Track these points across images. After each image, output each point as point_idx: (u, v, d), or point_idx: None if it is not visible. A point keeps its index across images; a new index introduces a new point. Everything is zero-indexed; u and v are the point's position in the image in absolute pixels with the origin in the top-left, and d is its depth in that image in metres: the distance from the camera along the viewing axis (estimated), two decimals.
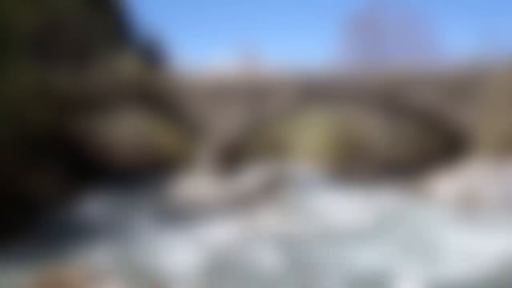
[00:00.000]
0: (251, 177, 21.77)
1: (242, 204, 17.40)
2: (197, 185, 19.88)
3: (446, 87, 20.75)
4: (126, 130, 23.17)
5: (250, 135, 23.54)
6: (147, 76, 23.73)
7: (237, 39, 53.93)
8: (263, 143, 28.76)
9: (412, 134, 24.11)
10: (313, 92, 21.26)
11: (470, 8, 55.27)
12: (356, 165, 24.77)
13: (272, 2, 65.19)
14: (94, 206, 16.82)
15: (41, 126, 17.11)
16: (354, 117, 25.61)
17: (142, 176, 21.30)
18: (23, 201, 14.41)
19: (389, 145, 24.55)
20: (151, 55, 33.83)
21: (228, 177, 20.98)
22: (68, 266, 10.12)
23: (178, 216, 15.61)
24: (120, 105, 21.83)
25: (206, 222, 14.65)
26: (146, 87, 21.97)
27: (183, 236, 13.00)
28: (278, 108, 21.89)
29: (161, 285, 9.39)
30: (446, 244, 12.12)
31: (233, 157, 22.32)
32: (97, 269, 10.01)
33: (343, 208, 16.84)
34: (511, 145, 19.14)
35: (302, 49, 54.44)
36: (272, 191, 20.08)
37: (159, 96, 21.84)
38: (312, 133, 28.41)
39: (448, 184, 18.89)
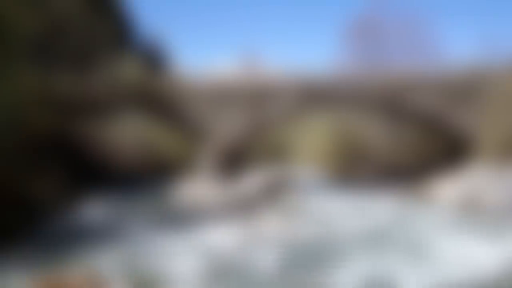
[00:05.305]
0: (252, 181, 21.76)
1: (244, 207, 17.39)
2: (198, 188, 19.89)
3: (448, 91, 20.74)
4: (127, 134, 23.20)
5: (251, 139, 23.54)
6: (149, 80, 23.77)
7: (238, 43, 54.08)
8: (265, 147, 28.74)
9: (414, 138, 24.09)
10: (315, 96, 21.27)
11: (471, 12, 55.31)
12: (357, 169, 24.75)
13: (274, 6, 65.30)
14: (95, 210, 16.83)
15: (43, 130, 17.14)
16: (355, 121, 25.61)
17: (143, 179, 21.32)
18: (24, 205, 14.41)
19: (390, 149, 24.53)
20: (153, 59, 33.90)
21: (229, 181, 20.98)
22: (70, 270, 10.12)
23: (180, 220, 15.61)
24: (122, 109, 21.86)
25: (207, 226, 14.64)
26: (148, 91, 22.01)
27: (185, 240, 12.99)
28: (279, 112, 21.90)
29: None
30: (448, 249, 12.09)
31: (234, 160, 22.32)
32: (98, 273, 10.01)
33: (344, 212, 16.83)
34: None
35: (304, 53, 54.51)
36: (273, 195, 20.07)
37: (160, 100, 21.87)
38: (313, 137, 28.40)
39: (450, 188, 18.86)
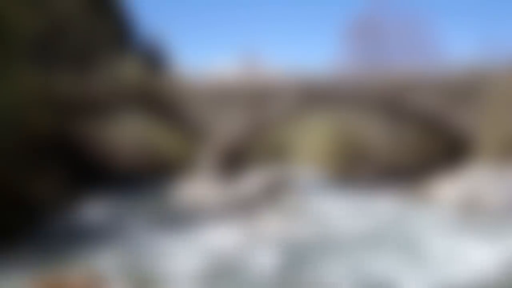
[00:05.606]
0: (252, 181, 21.76)
1: (244, 207, 17.39)
2: (198, 189, 19.88)
3: (448, 91, 20.74)
4: (128, 134, 23.21)
5: (251, 139, 23.53)
6: (149, 80, 23.77)
7: (239, 43, 54.08)
8: (265, 147, 28.74)
9: (414, 138, 24.08)
10: (315, 96, 21.27)
11: (470, 13, 55.31)
12: (357, 169, 24.75)
13: (274, 6, 65.31)
14: (95, 210, 16.83)
15: (43, 130, 17.14)
16: (356, 121, 25.60)
17: (143, 179, 21.33)
18: (24, 205, 14.41)
19: (390, 149, 24.52)
20: (153, 59, 33.91)
21: (229, 181, 20.98)
22: (70, 270, 10.12)
23: (180, 220, 15.60)
24: (122, 109, 21.86)
25: (207, 226, 14.64)
26: (148, 91, 22.00)
27: (185, 240, 12.99)
28: (279, 112, 21.89)
29: None
30: (447, 250, 12.09)
31: (234, 161, 22.32)
32: (98, 273, 10.01)
33: (344, 212, 16.83)
34: None
35: (304, 53, 54.50)
36: (273, 195, 20.07)
37: (160, 100, 21.86)
38: (314, 137, 28.40)
39: (450, 189, 18.86)
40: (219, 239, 13.19)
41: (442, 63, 23.64)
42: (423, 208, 17.54)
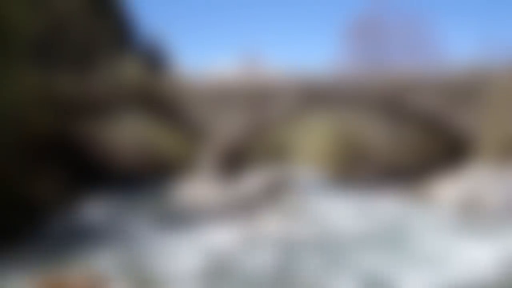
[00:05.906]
0: (252, 181, 21.77)
1: (244, 208, 17.40)
2: (199, 189, 19.89)
3: (448, 91, 20.74)
4: (128, 134, 23.21)
5: (251, 139, 23.54)
6: (149, 80, 23.78)
7: (239, 44, 54.13)
8: (265, 147, 28.74)
9: (414, 139, 24.09)
10: (315, 97, 21.28)
11: (471, 13, 55.33)
12: (358, 169, 24.75)
13: (274, 6, 65.32)
14: (96, 210, 16.84)
15: (43, 130, 17.15)
16: (356, 122, 25.61)
17: (144, 180, 21.33)
18: (25, 205, 14.42)
19: (391, 149, 24.52)
20: (154, 59, 33.92)
21: (229, 181, 20.99)
22: (70, 270, 10.13)
23: (180, 220, 15.62)
24: (122, 109, 21.88)
25: (207, 226, 14.65)
26: (148, 91, 22.02)
27: (185, 240, 13.00)
28: (280, 112, 21.90)
29: None
30: (447, 250, 12.09)
31: (234, 161, 22.33)
32: (98, 273, 10.02)
33: (344, 213, 16.83)
34: None
35: (304, 53, 54.51)
36: (273, 195, 20.08)
37: (161, 100, 21.88)
38: (314, 137, 28.40)
39: (450, 189, 18.86)
40: (219, 239, 13.20)
41: (442, 63, 23.64)
42: (423, 208, 17.55)
